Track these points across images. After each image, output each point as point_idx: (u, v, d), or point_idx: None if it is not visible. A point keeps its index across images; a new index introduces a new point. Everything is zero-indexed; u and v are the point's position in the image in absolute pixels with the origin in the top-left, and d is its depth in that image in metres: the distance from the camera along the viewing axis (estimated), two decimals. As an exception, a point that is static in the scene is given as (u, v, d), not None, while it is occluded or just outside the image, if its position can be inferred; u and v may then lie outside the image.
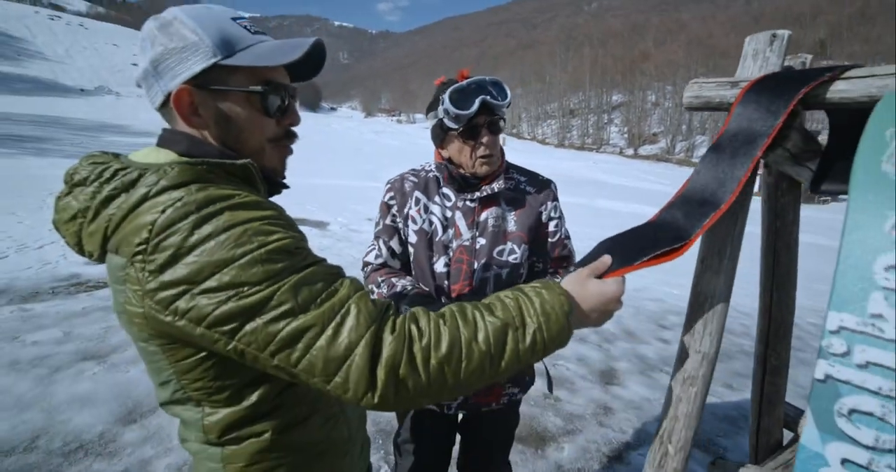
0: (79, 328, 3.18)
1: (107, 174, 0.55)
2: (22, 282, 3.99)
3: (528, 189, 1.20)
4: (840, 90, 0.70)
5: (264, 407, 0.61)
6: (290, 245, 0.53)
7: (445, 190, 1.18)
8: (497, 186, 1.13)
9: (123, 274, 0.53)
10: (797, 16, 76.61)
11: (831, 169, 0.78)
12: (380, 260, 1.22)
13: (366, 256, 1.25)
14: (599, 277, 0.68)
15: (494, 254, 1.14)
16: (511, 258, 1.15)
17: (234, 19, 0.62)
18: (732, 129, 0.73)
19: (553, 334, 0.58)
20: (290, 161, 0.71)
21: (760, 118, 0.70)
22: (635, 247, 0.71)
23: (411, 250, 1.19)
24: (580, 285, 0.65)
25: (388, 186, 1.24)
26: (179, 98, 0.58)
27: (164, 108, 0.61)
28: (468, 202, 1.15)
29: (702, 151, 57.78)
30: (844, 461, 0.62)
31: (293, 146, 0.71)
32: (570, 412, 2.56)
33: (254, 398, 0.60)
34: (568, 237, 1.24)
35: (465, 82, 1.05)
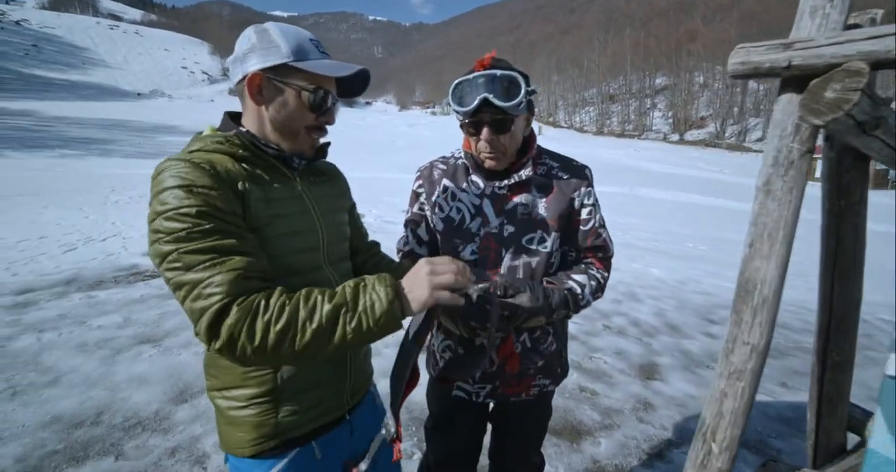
0: (137, 314, 3.43)
1: None
2: (88, 272, 4.35)
3: (561, 175, 1.14)
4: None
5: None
6: (202, 212, 0.69)
7: (474, 177, 1.15)
8: (525, 173, 1.09)
9: None
10: (870, -19, 69.08)
11: None
12: (407, 248, 1.23)
13: (398, 243, 1.27)
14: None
15: (523, 242, 1.10)
16: (541, 247, 1.11)
17: (311, 39, 0.84)
18: None
19: (377, 317, 0.70)
20: (329, 156, 1.00)
21: None
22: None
23: (438, 237, 1.18)
24: (414, 276, 0.76)
25: (418, 173, 1.23)
26: (252, 79, 0.80)
27: (238, 85, 0.83)
28: (497, 189, 1.12)
29: (756, 134, 53.87)
30: (921, 468, 0.54)
31: (332, 141, 0.94)
32: (608, 407, 2.48)
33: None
34: (603, 226, 1.17)
35: (472, 75, 0.99)
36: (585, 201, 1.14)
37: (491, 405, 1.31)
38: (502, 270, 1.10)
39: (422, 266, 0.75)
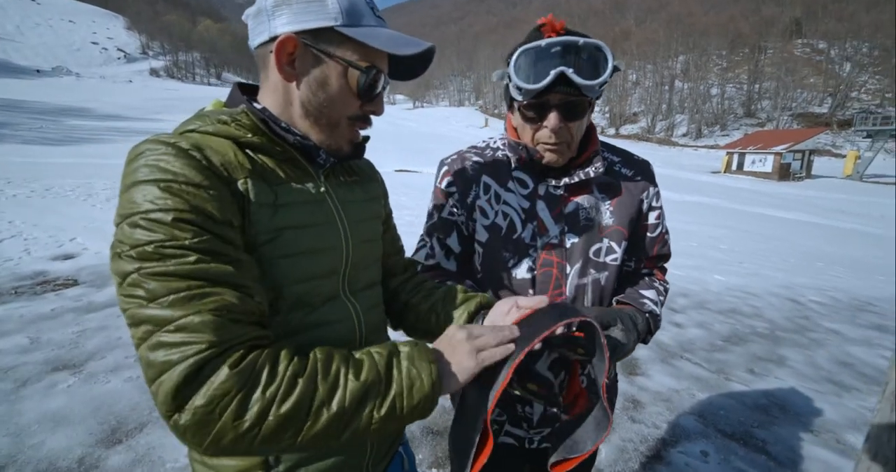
0: (48, 333, 2.84)
1: None
2: (-21, 282, 3.58)
3: (625, 172, 0.95)
4: None
5: None
6: (181, 219, 0.49)
7: (519, 174, 0.93)
8: (592, 169, 0.87)
9: None
10: (775, -7, 76.93)
11: None
12: (431, 261, 0.98)
13: (415, 253, 1.01)
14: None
15: (591, 254, 0.90)
16: (610, 259, 0.91)
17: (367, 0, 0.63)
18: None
19: (414, 402, 0.54)
20: None
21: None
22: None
23: (480, 250, 0.94)
24: (450, 346, 0.61)
25: (445, 168, 0.98)
26: (283, 44, 0.58)
27: (261, 48, 0.61)
28: (552, 189, 0.90)
29: (682, 130, 58.48)
30: None
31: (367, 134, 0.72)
32: (597, 407, 2.41)
33: None
34: (668, 232, 1.01)
35: (544, 42, 0.76)
36: (654, 204, 0.96)
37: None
38: (568, 290, 0.89)
39: (455, 333, 0.61)
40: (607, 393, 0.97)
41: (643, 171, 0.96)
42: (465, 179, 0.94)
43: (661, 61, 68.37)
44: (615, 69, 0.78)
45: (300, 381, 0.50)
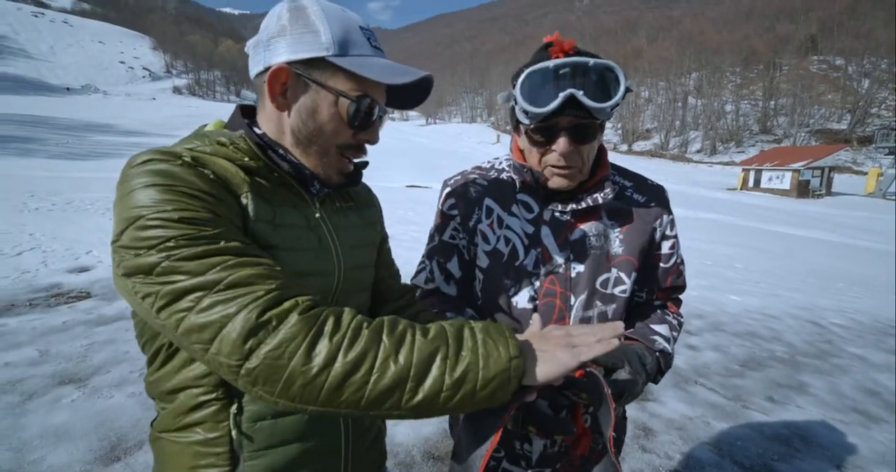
0: (57, 346, 2.87)
1: None
2: (-4, 293, 3.66)
3: (637, 197, 0.91)
4: None
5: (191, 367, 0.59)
6: (194, 217, 0.49)
7: (524, 197, 0.89)
8: (602, 195, 0.84)
9: None
10: (789, 11, 76.90)
11: None
12: (431, 285, 0.95)
13: (415, 276, 0.99)
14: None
15: (598, 285, 0.86)
16: (618, 290, 0.87)
17: (362, 28, 0.63)
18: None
19: (490, 374, 0.50)
20: None
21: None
22: None
23: (480, 276, 0.91)
24: (542, 338, 0.58)
25: (448, 189, 0.96)
26: (276, 74, 0.59)
27: (258, 78, 0.62)
28: (558, 214, 0.86)
29: (696, 146, 58.04)
30: None
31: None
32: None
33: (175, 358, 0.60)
34: (682, 263, 0.96)
35: (552, 63, 0.72)
36: (668, 232, 0.92)
37: None
38: (571, 322, 0.85)
39: (551, 329, 0.59)
40: (615, 432, 0.92)
41: (657, 197, 0.92)
42: (468, 202, 0.91)
43: (673, 78, 68.50)
44: (627, 90, 0.75)
45: (365, 331, 0.49)
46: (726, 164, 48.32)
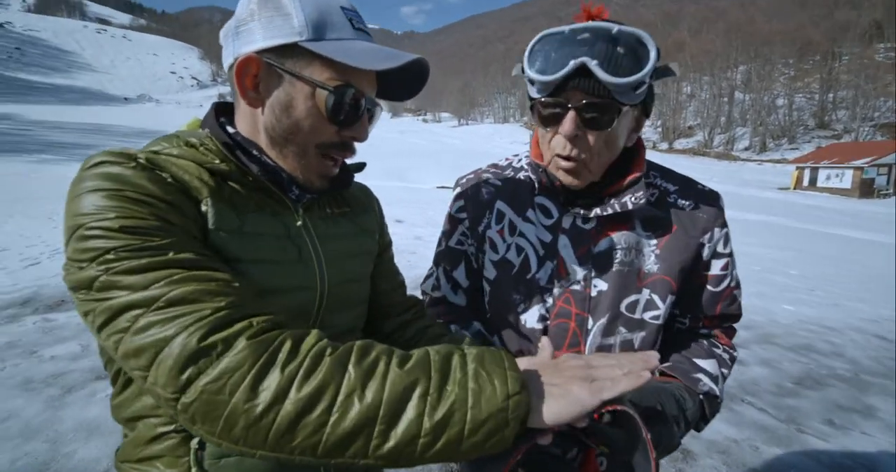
0: (96, 342, 3.02)
1: None
2: (49, 290, 3.91)
3: (683, 204, 0.76)
4: None
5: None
6: (139, 226, 0.44)
7: (542, 200, 0.77)
8: (633, 199, 0.69)
9: None
10: (849, -4, 71.20)
11: None
12: (437, 293, 0.87)
13: (423, 282, 0.92)
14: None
15: (623, 308, 0.73)
16: (649, 316, 0.73)
17: (344, 8, 0.55)
18: None
19: (482, 417, 0.40)
20: None
21: None
22: None
23: (487, 288, 0.81)
24: (555, 369, 0.49)
25: (458, 189, 0.87)
26: (244, 66, 0.53)
27: (230, 72, 0.56)
28: (580, 221, 0.74)
29: (744, 143, 54.82)
30: None
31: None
32: (641, 454, 2.15)
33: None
34: (738, 286, 0.80)
35: (567, 28, 0.63)
36: (720, 249, 0.76)
37: None
38: (587, 350, 0.74)
39: (566, 358, 0.51)
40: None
41: (708, 204, 0.76)
42: (478, 204, 0.82)
43: (718, 72, 65.02)
44: (664, 72, 0.63)
45: (327, 360, 0.41)
46: (777, 161, 45.30)
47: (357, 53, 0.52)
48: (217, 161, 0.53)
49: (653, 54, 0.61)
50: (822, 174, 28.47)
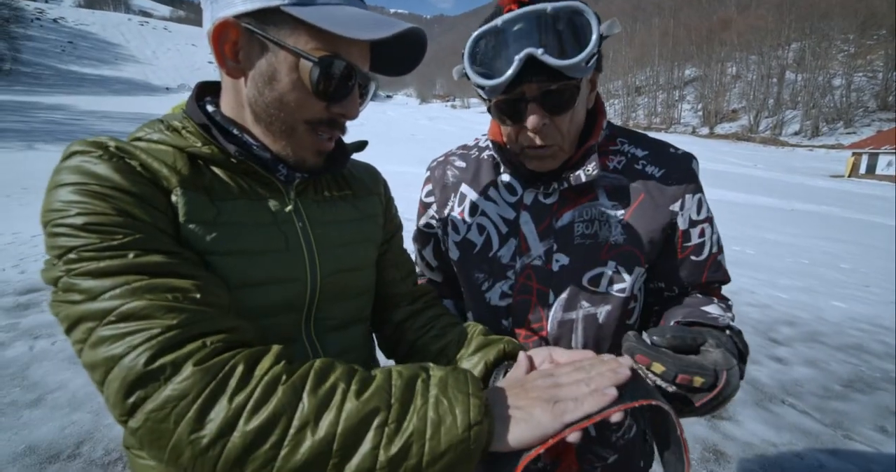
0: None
1: None
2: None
3: (651, 170, 0.72)
4: None
5: None
6: (102, 223, 0.42)
7: (506, 178, 0.77)
8: (587, 170, 0.67)
9: None
10: (925, -37, 64.09)
11: None
12: (417, 270, 0.91)
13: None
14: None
15: (585, 281, 0.71)
16: (615, 289, 0.71)
17: None
18: None
19: (440, 450, 0.39)
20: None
21: None
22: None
23: (455, 268, 0.84)
24: (520, 389, 0.47)
25: (428, 173, 0.89)
26: (221, 32, 0.48)
27: (209, 38, 0.52)
28: (541, 196, 0.73)
29: (793, 127, 51.22)
30: None
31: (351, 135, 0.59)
32: (669, 453, 2.06)
33: None
34: (721, 250, 0.77)
35: (500, 20, 0.58)
36: (694, 216, 0.72)
37: None
38: (548, 325, 0.72)
39: (535, 376, 0.48)
40: (615, 452, 0.78)
41: (680, 169, 0.72)
42: (444, 188, 0.83)
43: (768, 51, 60.63)
44: (603, 37, 0.58)
45: (280, 389, 0.39)
46: (831, 147, 42.18)
47: (345, 20, 0.48)
48: (199, 144, 0.50)
49: (594, 23, 0.57)
50: (881, 160, 26.23)
